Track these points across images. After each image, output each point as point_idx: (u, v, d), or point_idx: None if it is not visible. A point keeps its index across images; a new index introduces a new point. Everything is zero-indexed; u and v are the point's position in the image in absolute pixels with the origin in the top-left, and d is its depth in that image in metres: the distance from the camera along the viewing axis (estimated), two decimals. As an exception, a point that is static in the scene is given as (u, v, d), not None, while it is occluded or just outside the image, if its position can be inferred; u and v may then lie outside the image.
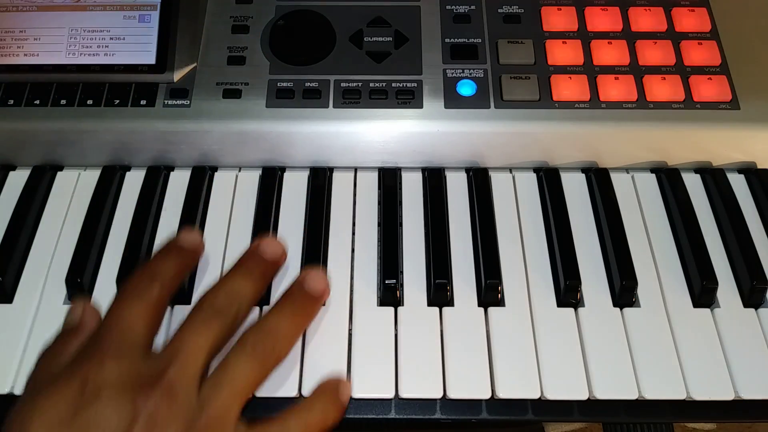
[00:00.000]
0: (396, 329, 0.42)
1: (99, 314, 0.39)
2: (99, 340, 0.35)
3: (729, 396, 0.40)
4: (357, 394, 0.40)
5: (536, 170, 0.50)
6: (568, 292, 0.43)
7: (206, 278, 0.44)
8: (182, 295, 0.43)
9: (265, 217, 0.47)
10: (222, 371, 0.35)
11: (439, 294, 0.43)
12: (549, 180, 0.49)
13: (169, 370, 0.34)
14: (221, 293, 0.38)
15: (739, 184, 0.49)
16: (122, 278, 0.44)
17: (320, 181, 0.48)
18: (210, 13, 0.52)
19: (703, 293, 0.43)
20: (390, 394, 0.40)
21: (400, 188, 0.49)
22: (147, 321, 0.37)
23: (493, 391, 0.40)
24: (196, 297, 0.43)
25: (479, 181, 0.49)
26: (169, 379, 0.34)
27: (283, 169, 0.50)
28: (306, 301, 0.40)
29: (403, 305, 0.43)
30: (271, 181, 0.49)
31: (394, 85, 0.49)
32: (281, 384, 0.39)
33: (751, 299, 0.44)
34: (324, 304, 0.42)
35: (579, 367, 0.41)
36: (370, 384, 0.40)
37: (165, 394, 0.33)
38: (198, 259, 0.43)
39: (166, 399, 0.33)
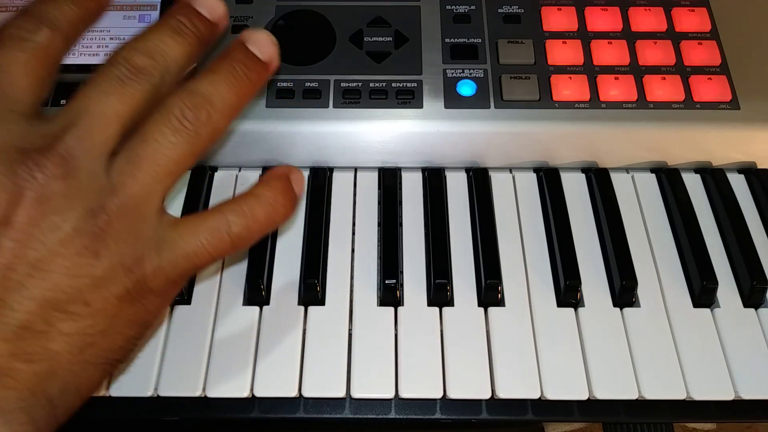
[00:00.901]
0: (396, 329, 0.42)
1: None
2: None
3: (729, 396, 0.40)
4: (357, 394, 0.40)
5: (536, 170, 0.50)
6: (568, 292, 0.43)
7: (206, 279, 0.44)
8: (181, 295, 0.43)
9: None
10: (140, 144, 0.27)
11: (439, 294, 0.43)
12: (549, 180, 0.49)
13: (66, 136, 0.26)
14: (141, 49, 0.29)
15: (739, 184, 0.49)
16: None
17: (320, 181, 0.48)
18: (210, 13, 0.51)
19: (703, 293, 0.43)
20: (390, 394, 0.40)
21: (400, 188, 0.49)
22: (32, 74, 0.28)
23: (493, 391, 0.40)
24: (195, 298, 0.43)
25: (479, 181, 0.49)
26: (66, 147, 0.26)
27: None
28: (251, 64, 0.31)
29: (403, 305, 0.43)
30: (271, 181, 0.49)
31: (394, 85, 0.49)
32: (281, 384, 0.39)
33: (751, 299, 0.44)
34: (271, 73, 0.33)
35: (579, 367, 0.41)
36: (370, 384, 0.40)
37: (59, 165, 0.25)
38: (102, 11, 0.32)
39: (61, 172, 0.25)
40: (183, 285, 0.30)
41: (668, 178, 0.49)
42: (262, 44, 0.32)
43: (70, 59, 0.49)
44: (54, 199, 0.25)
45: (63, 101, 0.48)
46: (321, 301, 0.43)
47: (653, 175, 0.50)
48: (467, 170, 0.50)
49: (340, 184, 0.49)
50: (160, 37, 0.29)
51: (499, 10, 0.52)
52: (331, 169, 0.50)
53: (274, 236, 0.46)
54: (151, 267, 0.27)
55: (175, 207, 0.47)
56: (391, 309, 0.43)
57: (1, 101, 0.27)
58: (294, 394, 0.39)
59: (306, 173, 0.49)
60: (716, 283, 0.43)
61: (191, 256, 0.29)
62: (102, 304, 0.26)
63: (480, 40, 0.51)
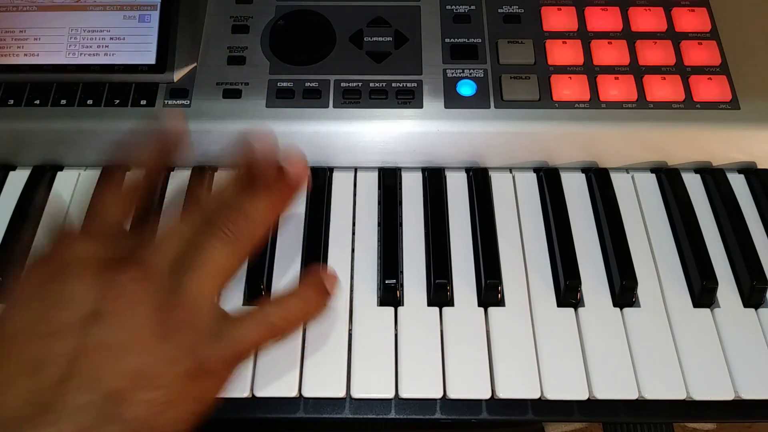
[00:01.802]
0: (396, 329, 0.42)
1: None
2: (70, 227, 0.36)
3: (729, 396, 0.40)
4: (357, 394, 0.39)
5: (536, 170, 0.50)
6: (568, 292, 0.43)
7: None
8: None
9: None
10: (195, 253, 0.34)
11: (439, 294, 0.43)
12: (549, 180, 0.49)
13: (144, 250, 0.34)
14: (241, 216, 0.36)
15: (739, 184, 0.49)
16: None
17: (320, 181, 0.48)
18: (210, 13, 0.52)
19: (703, 293, 0.43)
20: (390, 394, 0.39)
21: (400, 188, 0.49)
22: (119, 205, 0.37)
23: (493, 391, 0.40)
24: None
25: (479, 181, 0.49)
26: (143, 258, 0.33)
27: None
28: (283, 185, 0.38)
29: (403, 305, 0.43)
30: (271, 181, 0.49)
31: (394, 85, 0.49)
32: (281, 384, 0.39)
33: (751, 299, 0.44)
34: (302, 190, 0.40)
35: (579, 367, 0.41)
36: (370, 384, 0.40)
37: (136, 270, 0.33)
38: (178, 147, 0.41)
39: (138, 276, 0.32)
40: (236, 368, 0.35)
41: (668, 178, 0.49)
42: (294, 165, 0.39)
43: (71, 59, 0.49)
44: (131, 295, 0.32)
45: (63, 101, 0.48)
46: (321, 301, 0.43)
47: (653, 175, 0.50)
48: (467, 170, 0.50)
49: (340, 184, 0.49)
50: (257, 206, 0.37)
51: (499, 10, 0.52)
52: (331, 169, 0.50)
53: (274, 236, 0.46)
54: (207, 351, 0.33)
55: (175, 207, 0.47)
56: (391, 309, 0.43)
57: (94, 224, 0.36)
58: (294, 394, 0.39)
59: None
60: (716, 283, 0.43)
61: (240, 343, 0.34)
62: (169, 380, 0.31)
63: (480, 40, 0.51)
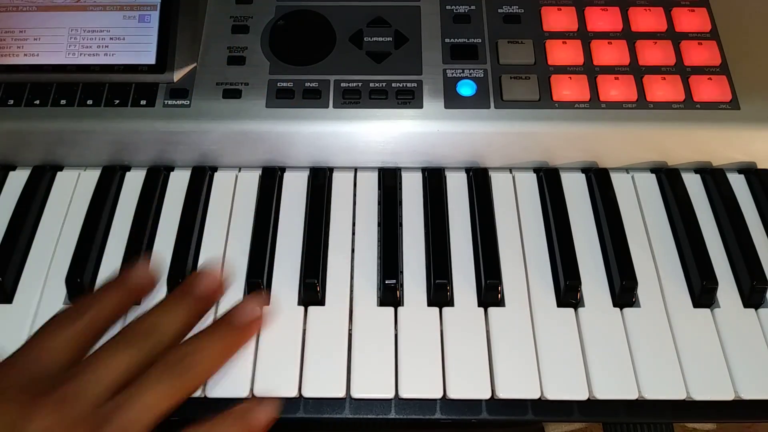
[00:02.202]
0: (396, 329, 0.42)
1: None
2: (12, 357, 0.35)
3: (729, 396, 0.40)
4: (357, 394, 0.40)
5: (536, 170, 0.50)
6: (568, 292, 0.43)
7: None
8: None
9: (265, 217, 0.47)
10: (134, 388, 0.34)
11: (439, 294, 0.43)
12: (549, 180, 0.49)
13: (71, 382, 0.33)
14: (146, 322, 0.37)
15: (739, 184, 0.49)
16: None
17: (320, 181, 0.48)
18: (210, 13, 0.52)
19: (703, 293, 0.43)
20: (390, 394, 0.39)
21: (400, 188, 0.49)
22: (69, 351, 0.35)
23: (493, 391, 0.40)
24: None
25: (479, 181, 0.49)
26: (66, 391, 0.33)
27: (283, 169, 0.50)
28: (234, 330, 0.38)
29: (403, 305, 0.43)
30: (271, 181, 0.49)
31: (394, 85, 0.49)
32: (281, 384, 0.39)
33: (751, 299, 0.44)
34: (258, 334, 0.41)
35: (579, 367, 0.41)
36: (370, 384, 0.40)
37: (59, 403, 0.32)
38: (144, 295, 0.42)
39: (59, 409, 0.32)
40: None
41: (668, 178, 0.49)
42: (247, 314, 0.39)
43: (71, 59, 0.49)
44: (49, 426, 0.31)
45: (63, 101, 0.48)
46: (321, 301, 0.43)
47: (653, 175, 0.50)
48: (467, 170, 0.50)
49: (340, 184, 0.49)
50: (161, 314, 0.37)
51: (499, 10, 0.52)
52: (331, 169, 0.50)
53: (274, 236, 0.46)
54: None
55: (175, 207, 0.48)
56: (391, 309, 0.43)
57: (33, 360, 0.35)
58: (294, 394, 0.39)
59: (306, 173, 0.50)
60: (716, 283, 0.43)
61: None
62: None
63: (480, 40, 0.51)
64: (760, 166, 0.50)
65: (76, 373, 0.34)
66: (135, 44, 0.49)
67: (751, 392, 0.40)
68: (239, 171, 0.50)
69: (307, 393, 0.39)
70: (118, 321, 0.39)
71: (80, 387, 0.33)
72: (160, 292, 0.43)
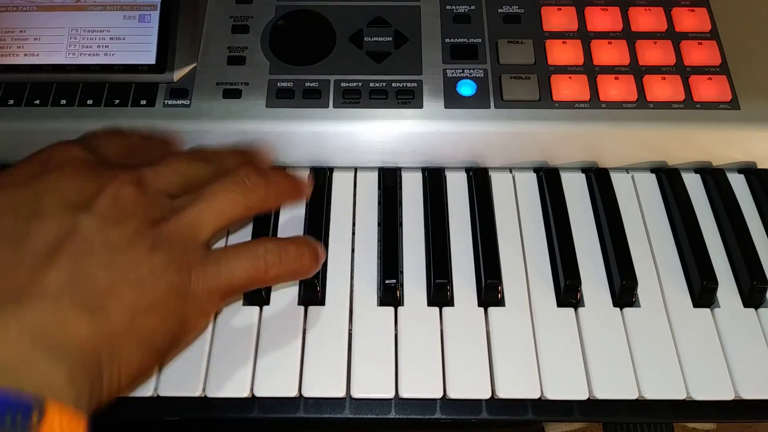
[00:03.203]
0: (396, 329, 0.42)
1: None
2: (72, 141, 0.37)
3: (729, 396, 0.40)
4: (357, 394, 0.40)
5: (536, 170, 0.50)
6: (568, 292, 0.43)
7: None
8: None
9: (265, 217, 0.47)
10: (204, 188, 0.35)
11: (439, 294, 0.43)
12: (549, 180, 0.49)
13: (143, 168, 0.34)
14: (212, 151, 0.38)
15: (739, 184, 0.49)
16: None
17: (320, 181, 0.48)
18: (210, 13, 0.52)
19: (703, 293, 0.43)
20: (390, 394, 0.40)
21: (400, 188, 0.49)
22: (120, 151, 0.37)
23: (493, 391, 0.40)
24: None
25: (479, 181, 0.49)
26: (142, 173, 0.33)
27: (283, 169, 0.50)
28: (296, 184, 0.41)
29: (403, 305, 0.43)
30: (271, 181, 0.49)
31: (394, 85, 0.49)
32: (281, 384, 0.39)
33: (751, 299, 0.44)
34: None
35: (579, 367, 0.41)
36: (370, 384, 0.40)
37: (134, 182, 0.33)
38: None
39: (135, 186, 0.32)
40: (222, 303, 0.35)
41: (668, 178, 0.49)
42: (305, 184, 0.42)
43: (71, 59, 0.49)
44: (127, 200, 0.32)
45: (63, 101, 0.48)
46: (321, 301, 0.43)
47: (653, 175, 0.50)
48: (467, 170, 0.50)
49: (340, 184, 0.49)
50: (226, 152, 0.39)
51: (499, 10, 0.52)
52: (331, 169, 0.50)
53: (274, 236, 0.46)
54: (195, 273, 0.32)
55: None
56: (391, 309, 0.43)
57: (95, 151, 0.36)
58: (294, 394, 0.39)
59: (306, 173, 0.50)
60: (716, 283, 0.43)
61: (230, 272, 0.34)
62: (153, 288, 0.31)
63: (480, 40, 0.51)
64: (760, 166, 0.50)
65: (146, 165, 0.34)
66: (135, 44, 0.49)
67: (751, 392, 0.40)
68: (239, 171, 0.50)
69: (307, 393, 0.39)
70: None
71: (155, 173, 0.34)
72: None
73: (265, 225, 0.46)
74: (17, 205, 0.31)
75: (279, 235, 0.46)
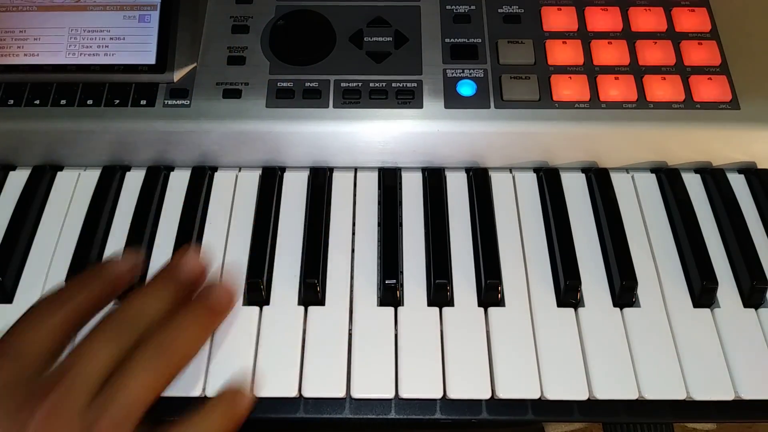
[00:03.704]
0: (396, 329, 0.42)
1: None
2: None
3: (729, 396, 0.40)
4: (357, 394, 0.40)
5: (536, 170, 0.50)
6: (568, 292, 0.43)
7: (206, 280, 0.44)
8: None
9: (265, 217, 0.47)
10: (119, 378, 0.34)
11: (439, 294, 0.43)
12: (549, 180, 0.49)
13: (60, 383, 0.32)
14: (131, 307, 0.37)
15: (739, 184, 0.49)
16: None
17: (320, 181, 0.48)
18: (210, 13, 0.52)
19: (703, 293, 0.43)
20: (390, 394, 0.39)
21: (400, 188, 0.49)
22: (49, 343, 0.35)
23: (493, 391, 0.40)
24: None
25: (479, 181, 0.49)
26: (59, 392, 0.32)
27: (283, 169, 0.50)
28: (211, 310, 0.39)
29: (403, 305, 0.43)
30: (271, 181, 0.49)
31: (394, 85, 0.49)
32: (281, 384, 0.39)
33: (751, 299, 0.44)
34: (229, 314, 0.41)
35: (579, 367, 0.41)
36: (370, 384, 0.40)
37: (52, 407, 0.32)
38: (123, 288, 0.40)
39: (53, 413, 0.32)
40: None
41: (668, 178, 0.49)
42: (221, 295, 0.39)
43: (71, 59, 0.49)
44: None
45: (63, 101, 0.48)
46: (321, 301, 0.43)
47: (653, 175, 0.50)
48: (467, 170, 0.50)
49: (340, 184, 0.49)
50: (143, 299, 0.37)
51: (499, 10, 0.52)
52: (331, 169, 0.50)
53: (274, 236, 0.46)
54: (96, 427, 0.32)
55: (175, 207, 0.48)
56: (391, 309, 0.43)
57: (16, 355, 0.34)
58: (294, 394, 0.39)
59: (306, 173, 0.50)
60: (716, 283, 0.43)
61: (126, 398, 0.33)
62: None
63: (480, 40, 0.51)
64: (760, 166, 0.50)
65: (64, 371, 0.33)
66: (135, 44, 0.49)
67: (751, 392, 0.40)
68: (239, 171, 0.50)
69: (307, 393, 0.39)
70: (100, 310, 0.38)
71: (72, 385, 0.33)
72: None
73: (265, 226, 0.46)
74: None
75: (279, 235, 0.46)
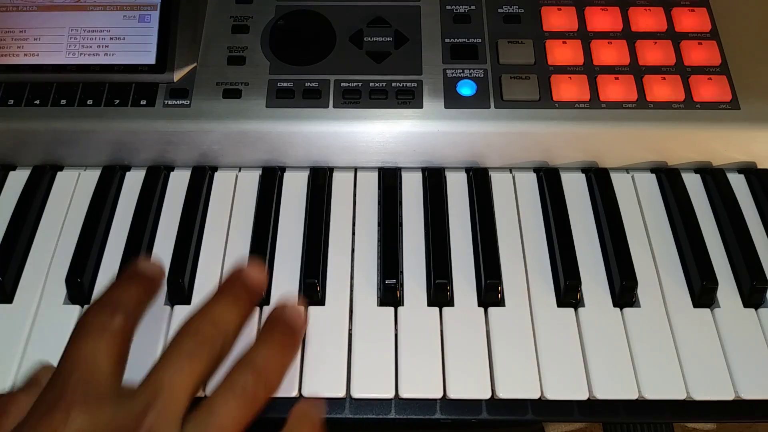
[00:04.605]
0: (396, 329, 0.42)
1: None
2: (60, 385, 0.31)
3: (729, 396, 0.40)
4: (357, 394, 0.39)
5: (536, 170, 0.50)
6: (568, 292, 0.43)
7: (206, 279, 0.44)
8: (182, 295, 0.43)
9: (265, 217, 0.47)
10: (208, 414, 0.31)
11: (439, 294, 0.43)
12: (549, 180, 0.49)
13: (149, 414, 0.30)
14: (206, 322, 0.34)
15: (739, 184, 0.49)
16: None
17: (320, 181, 0.48)
18: (210, 13, 0.52)
19: (703, 293, 0.43)
20: (390, 394, 0.39)
21: (400, 188, 0.49)
22: (113, 357, 0.32)
23: (493, 391, 0.40)
24: (195, 298, 0.43)
25: (479, 181, 0.49)
26: (149, 425, 0.30)
27: (283, 169, 0.50)
28: (292, 334, 0.37)
29: (403, 305, 0.43)
30: (271, 181, 0.49)
31: (394, 85, 0.49)
32: (281, 384, 0.39)
33: (751, 299, 0.44)
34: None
35: (579, 367, 0.40)
36: (370, 384, 0.40)
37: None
38: (159, 287, 0.39)
39: None
40: None
41: (668, 178, 0.49)
42: (296, 315, 0.37)
43: (71, 59, 0.49)
44: None
45: (63, 101, 0.48)
46: (321, 301, 0.43)
47: (653, 175, 0.50)
48: (467, 170, 0.50)
49: (340, 184, 0.49)
50: (220, 308, 0.35)
51: (499, 10, 0.52)
52: (331, 169, 0.50)
53: (274, 236, 0.46)
54: None
55: (175, 207, 0.48)
56: (391, 309, 0.43)
57: (91, 385, 0.31)
58: (294, 394, 0.39)
59: (306, 173, 0.50)
60: (716, 283, 0.43)
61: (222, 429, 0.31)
62: None
63: (480, 40, 0.51)
64: (760, 166, 0.50)
65: (149, 399, 0.31)
66: (135, 44, 0.49)
67: (751, 392, 0.40)
68: (239, 171, 0.50)
69: (307, 393, 0.39)
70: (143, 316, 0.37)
71: (160, 417, 0.30)
72: (161, 295, 0.43)
73: (265, 226, 0.46)
74: None
75: (279, 235, 0.46)
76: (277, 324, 0.37)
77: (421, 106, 0.48)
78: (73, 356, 0.32)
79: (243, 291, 0.37)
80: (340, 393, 0.39)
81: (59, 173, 0.50)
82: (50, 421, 0.29)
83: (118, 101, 0.48)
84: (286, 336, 0.36)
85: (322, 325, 0.42)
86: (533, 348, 0.41)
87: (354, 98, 0.48)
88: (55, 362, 0.33)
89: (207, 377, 0.33)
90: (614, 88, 0.48)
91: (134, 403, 0.31)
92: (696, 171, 0.51)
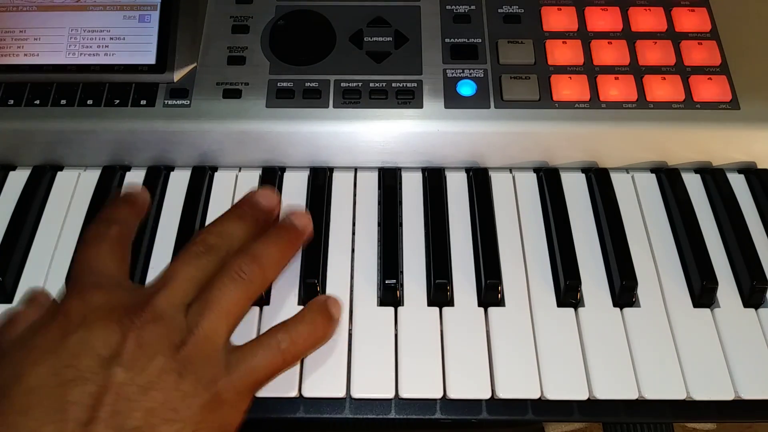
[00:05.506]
0: (396, 329, 0.42)
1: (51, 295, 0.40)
2: (76, 281, 0.37)
3: (729, 396, 0.40)
4: (357, 394, 0.40)
5: (536, 170, 0.50)
6: (568, 292, 0.43)
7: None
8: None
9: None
10: (208, 293, 0.36)
11: (439, 294, 0.43)
12: (549, 180, 0.49)
13: (156, 296, 0.35)
14: (214, 232, 0.40)
15: (739, 184, 0.49)
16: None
17: (320, 181, 0.48)
18: (210, 13, 0.52)
19: (703, 293, 0.43)
20: (390, 394, 0.40)
21: (400, 188, 0.49)
22: (116, 257, 0.39)
23: (493, 391, 0.40)
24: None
25: (479, 181, 0.49)
26: (156, 303, 0.35)
27: (283, 169, 0.50)
28: (291, 232, 0.41)
29: (403, 305, 0.43)
30: (271, 181, 0.49)
31: (394, 85, 0.49)
32: (281, 384, 0.39)
33: (751, 299, 0.44)
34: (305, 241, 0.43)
35: (579, 367, 0.41)
36: (370, 384, 0.40)
37: (151, 317, 0.34)
38: (145, 207, 0.44)
39: (153, 321, 0.34)
40: (252, 397, 0.37)
41: (668, 178, 0.49)
42: (300, 218, 0.42)
43: (71, 59, 0.49)
44: (149, 339, 0.34)
45: (63, 101, 0.48)
46: (321, 301, 0.43)
47: (653, 175, 0.50)
48: (467, 170, 0.50)
49: (340, 184, 0.49)
50: (226, 222, 0.40)
51: (499, 10, 0.52)
52: (331, 169, 0.50)
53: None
54: (223, 384, 0.35)
55: (175, 207, 0.48)
56: (391, 309, 0.43)
57: (103, 279, 0.37)
58: (294, 394, 0.39)
59: (306, 173, 0.50)
60: (716, 283, 0.43)
61: (253, 373, 0.36)
62: (189, 412, 0.33)
63: (480, 40, 0.51)
64: (760, 166, 0.50)
65: (158, 287, 0.36)
66: (135, 44, 0.49)
67: (751, 392, 0.40)
68: (239, 171, 0.50)
69: (307, 393, 0.39)
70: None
71: (166, 297, 0.35)
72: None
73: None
74: (48, 378, 0.32)
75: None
76: (282, 224, 0.42)
77: (421, 106, 0.48)
78: (81, 261, 0.39)
79: (249, 209, 0.42)
80: (340, 393, 0.39)
81: (59, 173, 0.50)
82: (67, 302, 0.35)
83: (118, 101, 0.48)
84: (288, 232, 0.41)
85: (322, 325, 0.42)
86: (533, 348, 0.41)
87: (354, 98, 0.48)
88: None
89: (211, 273, 0.37)
90: (614, 88, 0.48)
91: (145, 290, 0.37)
92: (696, 171, 0.51)
